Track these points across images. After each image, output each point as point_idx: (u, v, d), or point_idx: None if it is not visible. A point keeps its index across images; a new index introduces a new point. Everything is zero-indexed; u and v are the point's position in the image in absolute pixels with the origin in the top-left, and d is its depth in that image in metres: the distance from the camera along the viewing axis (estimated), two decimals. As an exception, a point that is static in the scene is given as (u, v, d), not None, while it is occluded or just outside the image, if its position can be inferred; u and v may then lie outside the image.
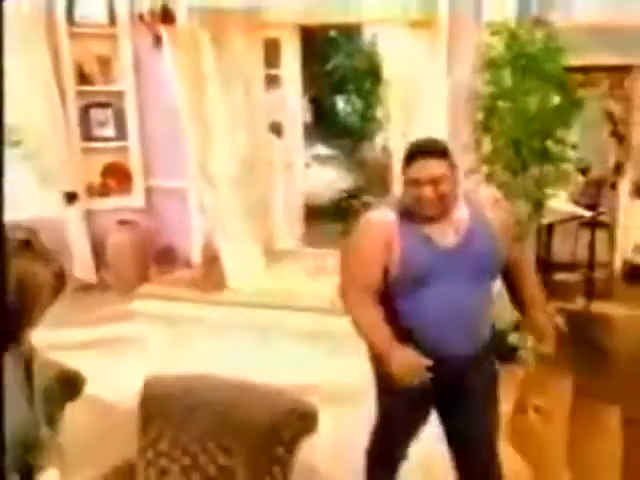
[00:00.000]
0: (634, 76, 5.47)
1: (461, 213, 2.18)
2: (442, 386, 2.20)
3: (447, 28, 4.81)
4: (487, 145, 4.21)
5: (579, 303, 5.22)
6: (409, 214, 2.17)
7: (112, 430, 2.42)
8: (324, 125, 8.53)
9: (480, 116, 4.19)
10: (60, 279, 1.68)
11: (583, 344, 4.26)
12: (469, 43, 4.56)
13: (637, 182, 5.66)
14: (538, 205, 4.35)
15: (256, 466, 2.18)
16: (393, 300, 2.24)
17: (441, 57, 4.86)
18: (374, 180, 7.30)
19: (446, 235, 2.16)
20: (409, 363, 2.08)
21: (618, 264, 5.77)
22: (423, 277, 2.15)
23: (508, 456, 2.91)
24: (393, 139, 6.38)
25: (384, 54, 5.93)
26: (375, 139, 8.43)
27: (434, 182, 2.05)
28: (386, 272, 2.18)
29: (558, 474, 3.22)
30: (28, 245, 1.64)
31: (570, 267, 5.60)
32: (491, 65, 4.05)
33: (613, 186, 5.86)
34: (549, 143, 4.23)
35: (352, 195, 7.62)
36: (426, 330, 2.18)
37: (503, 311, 4.31)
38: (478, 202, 2.25)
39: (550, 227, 5.46)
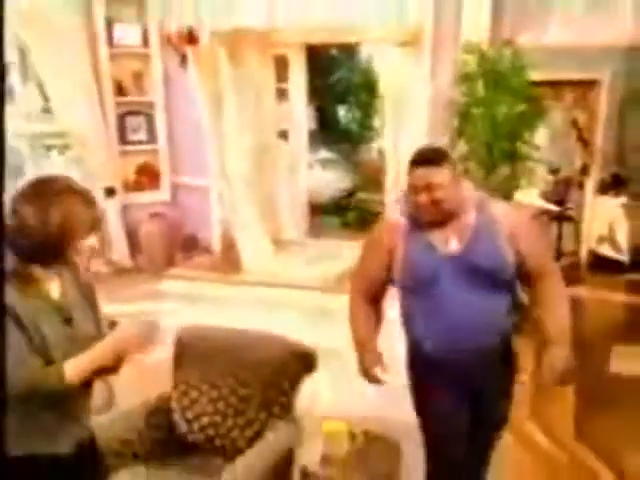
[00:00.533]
0: (596, 89, 5.55)
1: (468, 219, 2.03)
2: (450, 387, 2.11)
3: (430, 48, 4.89)
4: (462, 146, 4.30)
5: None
6: (415, 219, 2.06)
7: (151, 375, 2.64)
8: (327, 132, 8.48)
9: (456, 121, 4.32)
10: (95, 218, 1.71)
11: None
12: (448, 60, 4.65)
13: (600, 181, 5.68)
14: (507, 199, 4.28)
15: (267, 396, 2.42)
16: (400, 301, 2.17)
17: (424, 72, 4.95)
18: (369, 180, 7.37)
19: (448, 241, 2.03)
20: (370, 368, 2.09)
21: (584, 254, 5.80)
22: (424, 281, 2.05)
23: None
24: (386, 143, 6.44)
25: (378, 71, 6.20)
26: (371, 144, 8.41)
27: (430, 189, 1.95)
28: (391, 274, 2.11)
29: (524, 424, 3.30)
30: (73, 190, 1.68)
31: None
32: (466, 79, 4.24)
33: (580, 185, 5.90)
34: (517, 144, 4.33)
35: (349, 193, 7.67)
36: (426, 333, 2.10)
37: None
38: (491, 211, 2.05)
39: None
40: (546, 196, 5.95)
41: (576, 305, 4.94)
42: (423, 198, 1.95)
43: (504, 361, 2.15)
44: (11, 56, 5.35)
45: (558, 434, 3.23)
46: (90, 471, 1.85)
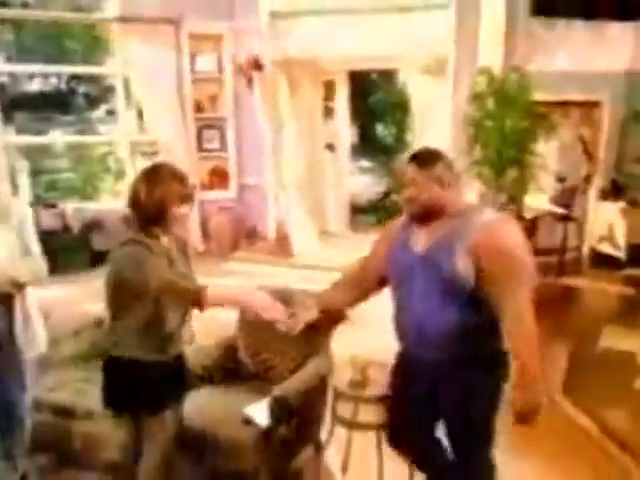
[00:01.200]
0: (599, 109, 5.73)
1: (446, 223, 1.84)
2: (417, 385, 1.97)
3: (452, 73, 5.08)
4: (477, 152, 4.46)
5: (553, 278, 5.32)
6: (409, 217, 1.94)
7: (223, 321, 2.76)
8: (366, 145, 8.67)
9: (472, 131, 4.46)
10: (187, 193, 1.94)
11: (555, 302, 4.51)
12: (467, 83, 4.80)
13: (602, 189, 5.84)
14: (513, 198, 4.60)
15: (309, 337, 2.44)
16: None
17: (447, 93, 5.14)
18: (400, 184, 7.73)
19: (419, 241, 1.88)
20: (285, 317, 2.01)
21: (586, 250, 5.92)
22: (399, 278, 1.94)
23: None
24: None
25: (411, 92, 6.33)
26: (403, 153, 8.23)
27: (408, 185, 1.85)
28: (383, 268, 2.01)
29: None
30: (172, 172, 1.92)
31: (549, 252, 5.63)
32: (478, 97, 4.40)
33: (584, 192, 6.01)
34: (522, 153, 4.49)
35: (384, 196, 7.90)
36: (397, 328, 1.99)
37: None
38: (470, 220, 1.81)
39: (534, 221, 5.56)
40: (554, 200, 6.06)
41: (578, 293, 5.24)
42: (404, 193, 1.87)
43: (478, 367, 1.86)
44: (118, 87, 5.81)
45: (548, 389, 3.31)
46: (183, 378, 2.14)
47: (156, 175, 1.94)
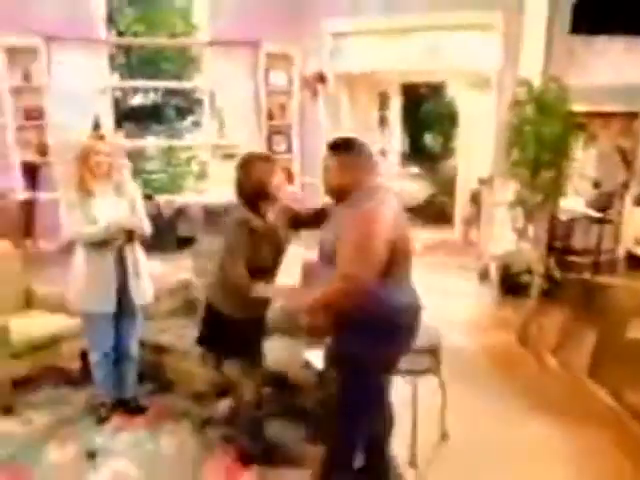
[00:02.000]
0: (638, 120, 5.53)
1: (342, 204, 1.86)
2: None
3: (496, 86, 5.05)
4: (515, 155, 4.38)
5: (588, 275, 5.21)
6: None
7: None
8: (415, 153, 8.70)
9: (510, 135, 4.38)
10: (276, 167, 2.17)
11: (586, 296, 4.45)
12: (509, 95, 4.70)
13: (638, 195, 5.67)
14: (547, 198, 4.42)
15: None
16: None
17: (492, 105, 5.17)
18: (446, 187, 7.59)
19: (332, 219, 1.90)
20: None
21: (621, 252, 5.71)
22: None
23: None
24: (459, 161, 6.69)
25: (458, 105, 6.50)
26: (448, 160, 8.56)
27: (324, 170, 1.91)
28: None
29: (547, 357, 3.58)
30: (264, 157, 2.19)
31: (584, 252, 5.56)
32: (518, 104, 4.32)
33: (621, 197, 5.80)
34: (558, 158, 4.31)
35: (430, 199, 7.94)
36: None
37: (518, 256, 4.72)
38: (357, 202, 1.78)
39: (570, 223, 5.52)
40: (592, 204, 5.89)
41: (610, 290, 5.05)
42: (322, 178, 1.91)
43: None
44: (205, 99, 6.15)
45: (574, 369, 3.41)
46: (263, 330, 2.43)
47: (247, 162, 2.17)
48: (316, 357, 2.46)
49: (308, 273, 2.94)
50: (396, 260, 1.76)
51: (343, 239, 1.71)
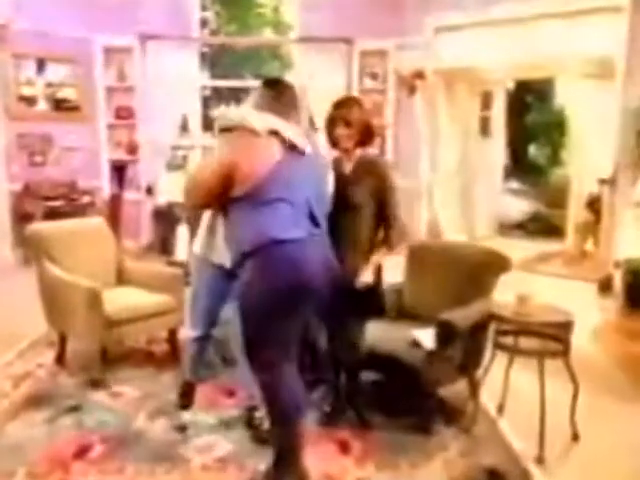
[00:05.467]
0: None
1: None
2: None
3: (622, 78, 4.63)
4: None
5: None
6: None
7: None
8: (518, 166, 8.47)
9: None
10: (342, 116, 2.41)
11: None
12: (638, 77, 4.50)
13: None
14: None
15: (474, 279, 2.74)
16: None
17: (615, 91, 4.72)
18: (553, 199, 7.19)
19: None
20: None
21: None
22: None
23: None
24: (572, 170, 6.44)
25: (570, 109, 6.24)
26: (556, 170, 8.22)
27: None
28: None
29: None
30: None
31: None
32: None
33: None
34: None
35: (533, 217, 7.60)
36: None
37: None
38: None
39: None
40: None
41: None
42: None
43: None
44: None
45: None
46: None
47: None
48: (426, 336, 2.48)
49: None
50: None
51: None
